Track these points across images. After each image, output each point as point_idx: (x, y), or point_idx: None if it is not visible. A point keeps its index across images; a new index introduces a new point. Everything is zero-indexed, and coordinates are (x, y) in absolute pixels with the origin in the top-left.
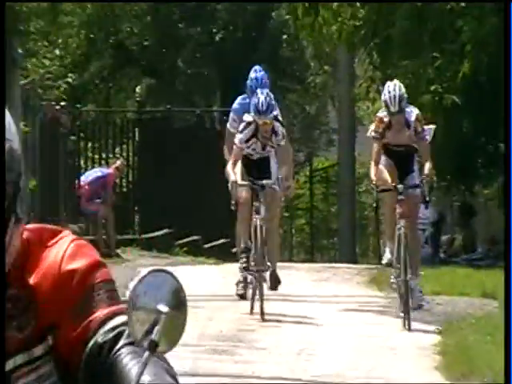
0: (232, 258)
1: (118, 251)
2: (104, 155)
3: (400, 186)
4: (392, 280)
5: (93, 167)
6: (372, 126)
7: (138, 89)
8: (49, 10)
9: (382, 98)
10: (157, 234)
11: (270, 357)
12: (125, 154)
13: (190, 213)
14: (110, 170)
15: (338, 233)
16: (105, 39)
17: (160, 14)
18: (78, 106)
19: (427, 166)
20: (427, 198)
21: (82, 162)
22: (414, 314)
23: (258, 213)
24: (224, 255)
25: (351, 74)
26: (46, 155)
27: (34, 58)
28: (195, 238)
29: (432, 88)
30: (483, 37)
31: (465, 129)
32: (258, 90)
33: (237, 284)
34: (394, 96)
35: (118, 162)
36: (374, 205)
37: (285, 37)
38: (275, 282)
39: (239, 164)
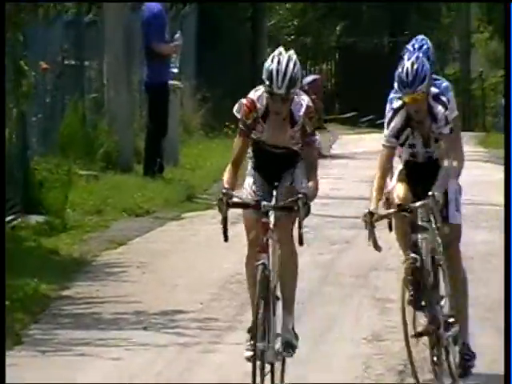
0: None
1: (325, 125)
2: (317, 67)
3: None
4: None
5: (310, 74)
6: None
7: (337, 28)
8: None
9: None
10: (348, 114)
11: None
12: (330, 66)
13: (366, 101)
14: (319, 76)
15: None
16: None
17: None
18: (301, 38)
19: None
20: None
21: (303, 72)
22: None
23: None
24: None
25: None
26: None
27: (273, 9)
28: (371, 117)
29: None
30: None
31: None
32: (406, 56)
33: None
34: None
35: (324, 69)
36: None
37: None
38: None
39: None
